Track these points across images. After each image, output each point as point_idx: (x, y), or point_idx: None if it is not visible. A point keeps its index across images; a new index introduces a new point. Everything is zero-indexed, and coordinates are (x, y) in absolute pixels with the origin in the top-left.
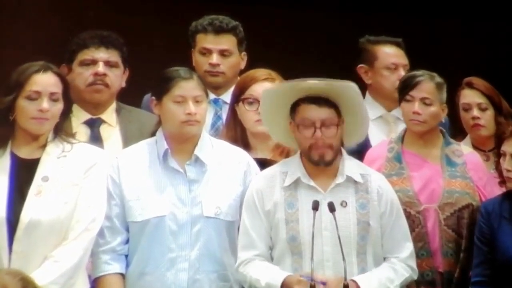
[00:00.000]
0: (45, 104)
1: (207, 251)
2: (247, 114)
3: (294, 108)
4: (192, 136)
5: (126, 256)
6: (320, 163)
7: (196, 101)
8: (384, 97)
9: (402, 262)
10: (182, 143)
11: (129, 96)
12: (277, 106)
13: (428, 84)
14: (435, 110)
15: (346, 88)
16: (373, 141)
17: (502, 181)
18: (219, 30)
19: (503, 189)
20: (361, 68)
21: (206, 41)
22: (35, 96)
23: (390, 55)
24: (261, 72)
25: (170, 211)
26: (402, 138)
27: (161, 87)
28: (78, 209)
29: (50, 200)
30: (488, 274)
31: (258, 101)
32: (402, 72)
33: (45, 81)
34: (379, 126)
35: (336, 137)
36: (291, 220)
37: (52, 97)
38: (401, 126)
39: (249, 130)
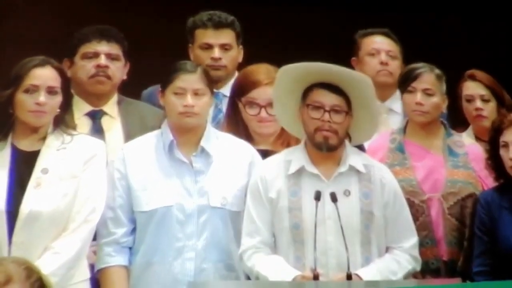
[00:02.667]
0: (42, 97)
1: (214, 240)
2: (248, 117)
3: (306, 93)
4: (190, 127)
5: (130, 248)
6: (323, 146)
7: (196, 94)
8: (374, 84)
9: (406, 253)
10: (185, 135)
11: (126, 95)
12: (289, 91)
13: (429, 75)
14: (437, 101)
15: (360, 78)
16: None
17: (496, 177)
18: (218, 25)
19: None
20: (353, 60)
21: (207, 36)
22: (33, 90)
23: (372, 42)
24: (262, 76)
25: (177, 201)
26: (404, 129)
27: (166, 79)
28: (77, 200)
29: (50, 192)
30: (489, 263)
31: (260, 106)
32: (383, 57)
33: (43, 74)
34: None
35: (342, 125)
36: (294, 208)
37: (50, 91)
38: (393, 118)
39: (252, 130)
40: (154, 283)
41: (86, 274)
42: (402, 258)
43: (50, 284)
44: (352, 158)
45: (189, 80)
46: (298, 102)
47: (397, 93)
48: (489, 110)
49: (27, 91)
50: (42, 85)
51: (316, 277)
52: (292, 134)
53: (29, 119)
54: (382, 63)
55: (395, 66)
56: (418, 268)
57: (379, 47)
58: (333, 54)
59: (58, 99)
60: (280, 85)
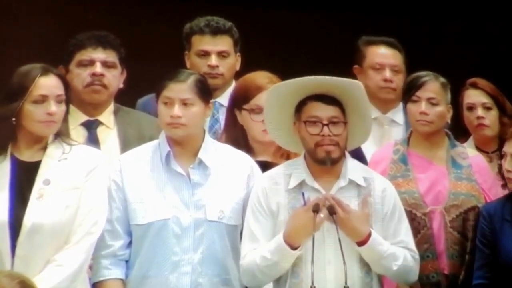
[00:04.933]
0: (53, 107)
1: (210, 254)
2: (253, 123)
3: (300, 107)
4: (179, 139)
5: (127, 261)
6: (326, 161)
7: (184, 104)
8: (376, 98)
9: (411, 252)
10: (181, 146)
11: (124, 101)
12: (282, 107)
13: (434, 84)
14: (442, 110)
15: (352, 85)
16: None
17: (505, 184)
18: (216, 31)
19: (507, 192)
20: (355, 68)
21: (204, 42)
22: (42, 100)
23: (377, 55)
24: (264, 80)
25: (174, 214)
26: (407, 140)
27: (157, 88)
28: (79, 212)
29: (52, 204)
30: (490, 276)
31: None
32: (387, 73)
33: (50, 84)
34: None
35: (342, 135)
36: None
37: (58, 99)
38: (395, 130)
39: (256, 139)
40: None
41: (87, 286)
42: (408, 255)
43: None
44: (352, 171)
45: (176, 90)
46: (291, 118)
47: (400, 105)
48: (491, 118)
49: (36, 102)
50: (51, 94)
51: None
52: (290, 150)
53: (39, 129)
54: (386, 80)
55: (399, 81)
56: (415, 272)
57: (384, 62)
58: (335, 60)
59: (64, 107)
60: (271, 104)
